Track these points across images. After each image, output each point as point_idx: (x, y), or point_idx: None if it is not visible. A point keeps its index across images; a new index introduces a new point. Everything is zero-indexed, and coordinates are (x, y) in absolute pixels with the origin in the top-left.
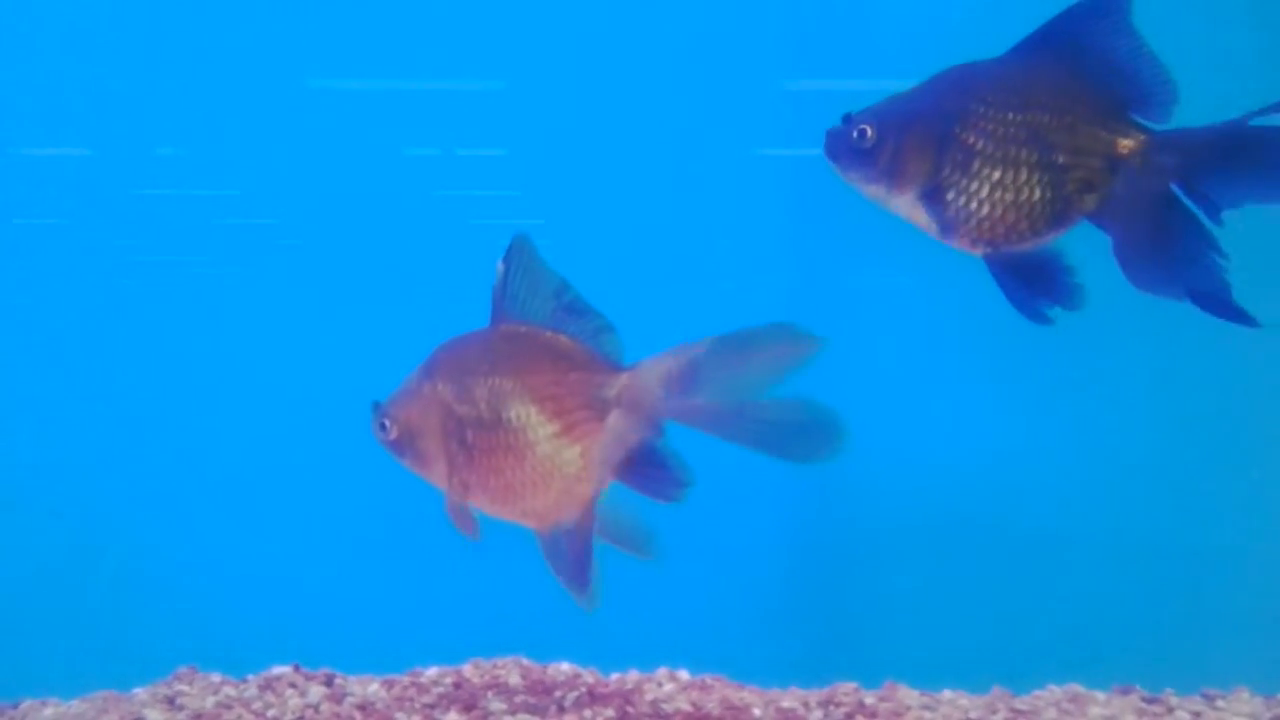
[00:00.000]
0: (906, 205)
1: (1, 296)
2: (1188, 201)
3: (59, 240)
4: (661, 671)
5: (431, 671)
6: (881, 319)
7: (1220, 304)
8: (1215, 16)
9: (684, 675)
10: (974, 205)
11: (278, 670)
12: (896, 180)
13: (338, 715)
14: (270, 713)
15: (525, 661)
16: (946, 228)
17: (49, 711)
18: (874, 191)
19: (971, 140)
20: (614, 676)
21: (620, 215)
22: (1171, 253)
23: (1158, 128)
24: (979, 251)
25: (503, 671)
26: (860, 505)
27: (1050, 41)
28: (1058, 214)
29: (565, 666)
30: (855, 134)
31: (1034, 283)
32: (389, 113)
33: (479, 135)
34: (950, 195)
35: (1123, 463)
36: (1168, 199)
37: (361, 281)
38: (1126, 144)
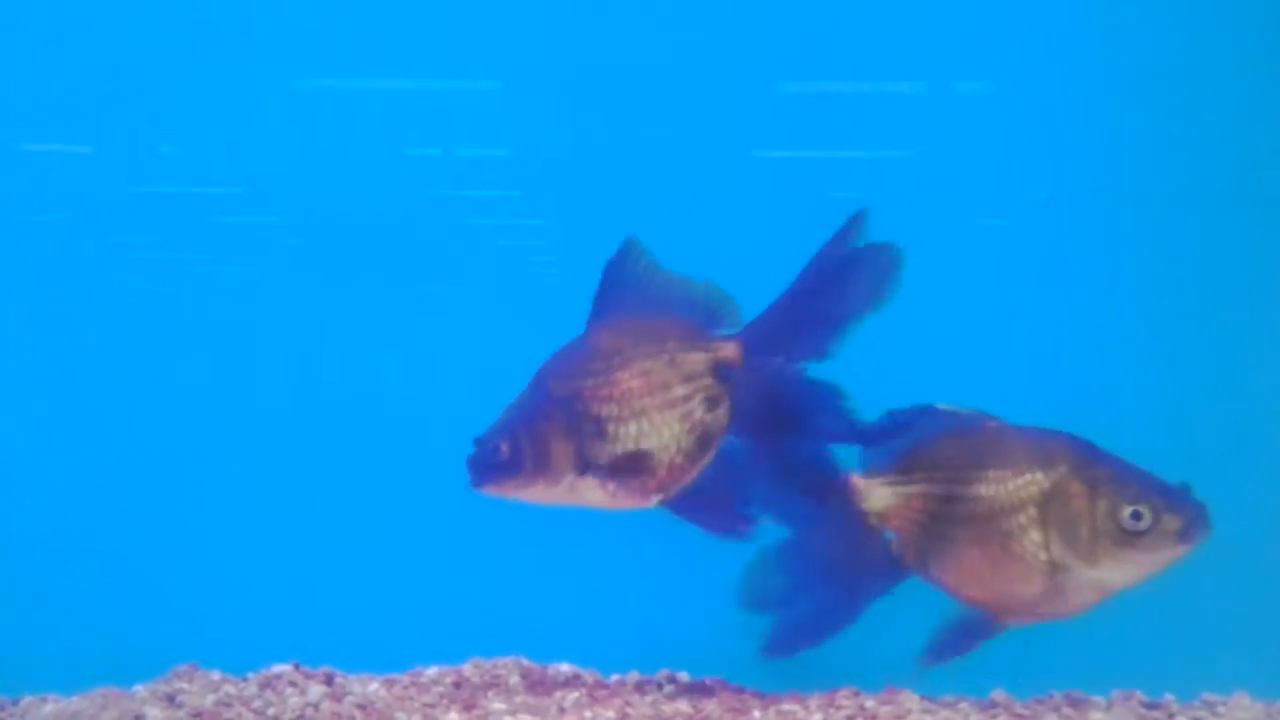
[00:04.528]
0: (565, 491)
1: (2, 293)
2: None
3: (60, 237)
4: (662, 673)
5: (431, 671)
6: (881, 320)
7: (863, 434)
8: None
9: (684, 677)
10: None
11: (278, 668)
12: (548, 474)
13: (338, 714)
14: (270, 711)
15: (525, 662)
16: (615, 494)
17: (49, 708)
18: (533, 493)
19: (597, 410)
20: (614, 678)
21: (619, 216)
22: (804, 416)
23: (735, 331)
24: (653, 503)
25: (503, 671)
26: None
27: (612, 303)
28: (700, 439)
29: (565, 667)
30: (491, 451)
31: (714, 515)
32: (390, 112)
33: (479, 135)
34: (604, 464)
35: None
36: (779, 378)
37: (362, 280)
38: (724, 353)
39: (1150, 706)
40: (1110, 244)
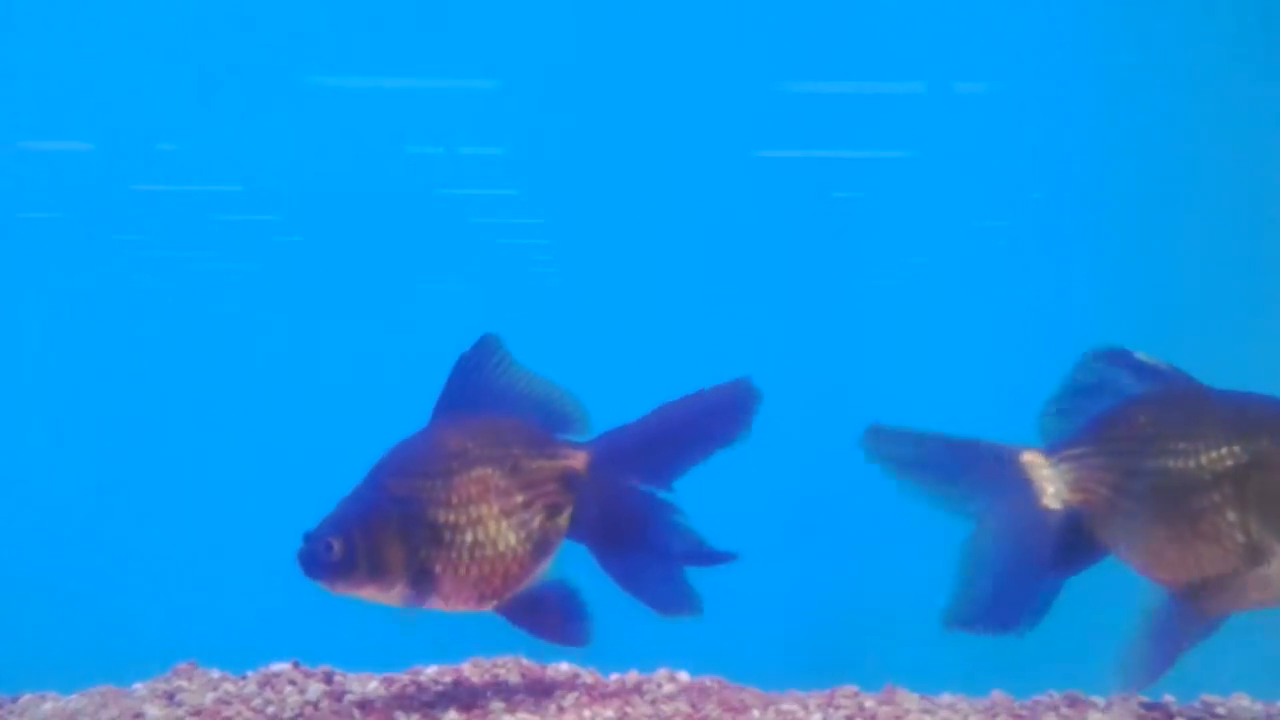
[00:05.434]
0: (399, 596)
1: (2, 290)
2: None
3: (60, 234)
4: (661, 672)
5: (431, 670)
6: (880, 320)
7: (702, 556)
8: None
9: (684, 676)
10: (462, 572)
11: (277, 667)
12: (381, 580)
13: (337, 713)
14: (270, 709)
15: (525, 661)
16: (449, 599)
17: (48, 706)
18: (368, 593)
19: (432, 515)
20: (613, 677)
21: (619, 215)
22: (645, 534)
23: (585, 439)
24: (488, 608)
25: (502, 671)
26: (861, 507)
27: (458, 400)
28: (538, 546)
29: (565, 666)
30: (324, 549)
31: (548, 622)
32: (390, 111)
33: (479, 134)
34: (438, 569)
35: None
36: (623, 494)
37: (362, 277)
38: (569, 462)
39: (1149, 707)
40: (1110, 244)
